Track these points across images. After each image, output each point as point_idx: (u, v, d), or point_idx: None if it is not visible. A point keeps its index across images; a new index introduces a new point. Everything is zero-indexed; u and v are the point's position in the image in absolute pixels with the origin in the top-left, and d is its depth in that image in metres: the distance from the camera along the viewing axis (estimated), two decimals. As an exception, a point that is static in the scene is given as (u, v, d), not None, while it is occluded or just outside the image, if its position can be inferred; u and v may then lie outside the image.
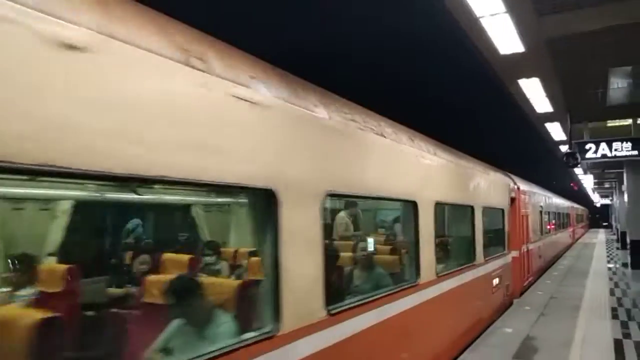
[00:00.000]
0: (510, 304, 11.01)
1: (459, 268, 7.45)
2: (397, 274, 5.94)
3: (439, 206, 6.37)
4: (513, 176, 12.19)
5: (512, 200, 11.34)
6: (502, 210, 10.32)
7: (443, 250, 7.54)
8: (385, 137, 4.89)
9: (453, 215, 8.51)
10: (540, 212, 16.95)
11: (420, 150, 5.88)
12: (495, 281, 9.53)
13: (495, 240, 10.10)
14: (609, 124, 14.35)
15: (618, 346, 7.86)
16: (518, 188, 12.05)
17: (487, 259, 8.90)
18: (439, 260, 6.44)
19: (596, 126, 14.09)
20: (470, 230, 8.22)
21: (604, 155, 12.20)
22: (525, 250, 13.07)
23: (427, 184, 6.04)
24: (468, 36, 6.77)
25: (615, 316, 10.10)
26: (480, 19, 6.26)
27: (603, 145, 12.14)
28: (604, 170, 24.40)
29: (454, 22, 6.28)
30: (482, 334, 8.56)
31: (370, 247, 5.98)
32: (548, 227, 19.65)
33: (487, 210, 9.32)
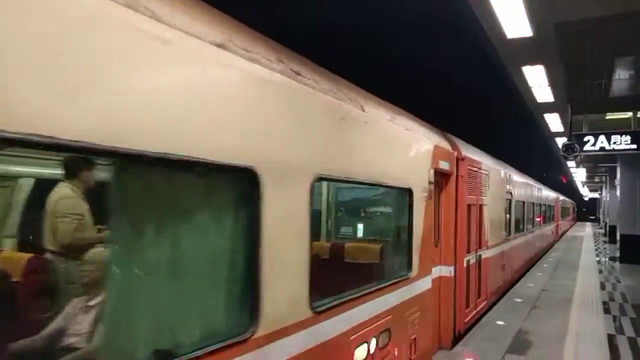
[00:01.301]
0: None
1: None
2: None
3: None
4: (455, 139, 7.58)
5: (446, 177, 7.00)
6: (408, 192, 5.25)
7: None
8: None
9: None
10: (509, 201, 12.00)
11: None
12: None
13: (371, 254, 5.47)
14: (607, 117, 14.16)
15: (611, 341, 7.75)
16: (461, 159, 7.36)
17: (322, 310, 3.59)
18: None
19: (595, 119, 13.88)
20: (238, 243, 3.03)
21: (602, 149, 12.01)
22: (475, 261, 8.42)
23: None
24: (476, 16, 6.45)
25: (606, 310, 10.02)
26: (491, -1, 5.94)
27: (602, 138, 11.94)
28: (597, 164, 24.39)
29: (463, 1, 5.94)
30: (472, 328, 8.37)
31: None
32: (522, 223, 14.77)
33: (344, 191, 6.80)
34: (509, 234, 12.19)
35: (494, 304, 10.23)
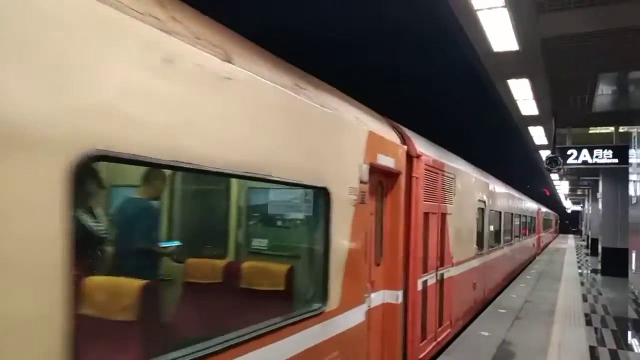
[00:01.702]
0: None
1: None
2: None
3: None
4: (408, 132, 6.28)
5: (392, 178, 5.61)
6: (324, 192, 3.88)
7: None
8: None
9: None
10: (482, 211, 10.65)
11: None
12: None
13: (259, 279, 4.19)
14: (590, 131, 14.41)
15: (593, 353, 7.82)
16: (416, 156, 6.06)
17: None
18: None
19: (578, 132, 14.12)
20: None
21: (584, 162, 12.22)
22: (435, 281, 7.06)
23: None
24: (463, 29, 6.53)
25: (588, 322, 10.11)
26: (478, 12, 6.03)
27: (585, 151, 12.16)
28: (580, 177, 24.76)
29: (450, 13, 6.02)
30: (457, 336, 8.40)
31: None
32: (499, 236, 13.42)
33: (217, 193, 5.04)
34: (482, 248, 10.76)
35: (465, 327, 9.12)
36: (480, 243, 10.53)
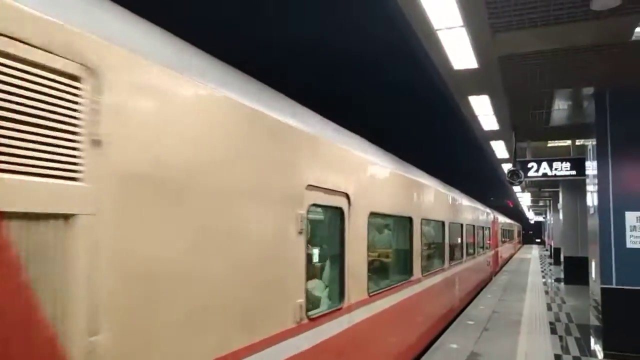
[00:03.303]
0: None
1: None
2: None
3: None
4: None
5: None
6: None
7: None
8: None
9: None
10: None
11: None
12: None
13: None
14: (549, 144, 14.91)
15: (558, 362, 8.01)
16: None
17: None
18: None
19: (538, 146, 14.60)
20: None
21: (544, 174, 12.60)
22: None
23: None
24: (424, 48, 6.72)
25: (553, 331, 10.36)
26: (438, 32, 6.22)
27: (544, 164, 12.56)
28: (541, 189, 25.53)
29: (412, 33, 6.19)
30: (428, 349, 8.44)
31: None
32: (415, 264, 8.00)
33: None
34: (343, 301, 4.99)
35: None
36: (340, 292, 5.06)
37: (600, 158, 8.80)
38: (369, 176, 5.94)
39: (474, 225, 15.96)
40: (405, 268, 7.81)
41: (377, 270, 6.65)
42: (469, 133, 13.18)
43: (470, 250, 15.14)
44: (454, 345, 8.87)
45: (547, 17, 6.07)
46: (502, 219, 30.47)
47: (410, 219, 7.93)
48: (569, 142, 13.90)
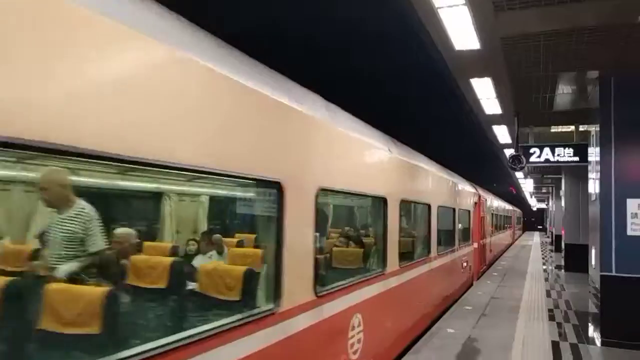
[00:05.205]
0: None
1: None
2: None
3: None
4: None
5: None
6: None
7: None
8: None
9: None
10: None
11: None
12: None
13: None
14: (552, 130, 14.71)
15: (555, 348, 7.95)
16: None
17: None
18: None
19: (541, 131, 14.40)
20: None
21: (547, 160, 12.44)
22: None
23: None
24: (425, 28, 6.53)
25: (551, 317, 10.29)
26: (439, 10, 6.03)
27: (547, 150, 12.39)
28: (543, 175, 25.32)
29: (412, 11, 6.00)
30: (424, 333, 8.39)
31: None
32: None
33: None
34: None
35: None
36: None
37: (604, 144, 8.63)
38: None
39: (437, 206, 9.97)
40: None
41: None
42: (471, 117, 12.99)
43: (423, 250, 9.35)
44: (451, 330, 8.82)
45: (552, -5, 5.87)
46: (496, 202, 24.98)
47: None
48: (572, 128, 13.69)
